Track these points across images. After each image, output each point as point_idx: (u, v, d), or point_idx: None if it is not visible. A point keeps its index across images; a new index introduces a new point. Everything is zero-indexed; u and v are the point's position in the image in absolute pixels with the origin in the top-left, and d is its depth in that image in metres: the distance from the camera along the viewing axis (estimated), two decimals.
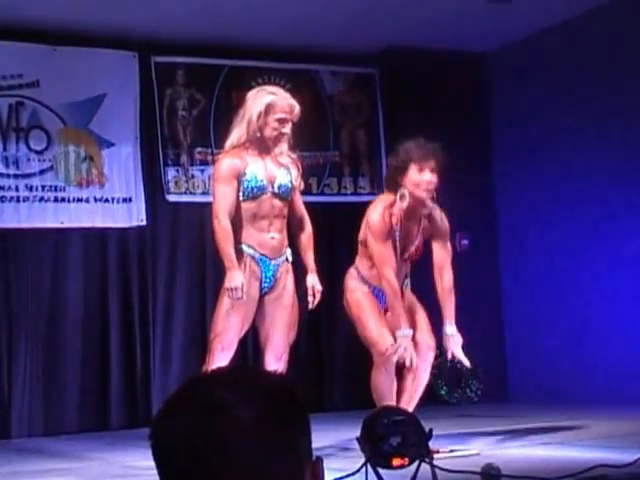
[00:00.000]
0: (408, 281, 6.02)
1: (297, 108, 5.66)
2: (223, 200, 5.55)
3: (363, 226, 5.88)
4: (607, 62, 8.14)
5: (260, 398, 1.33)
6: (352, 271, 5.99)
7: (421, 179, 5.65)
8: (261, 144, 5.64)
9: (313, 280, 5.74)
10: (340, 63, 9.06)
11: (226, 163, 5.62)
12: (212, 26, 8.14)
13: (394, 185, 5.79)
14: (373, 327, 5.83)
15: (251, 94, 5.72)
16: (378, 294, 5.88)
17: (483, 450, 5.72)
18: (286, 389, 1.38)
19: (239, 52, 8.63)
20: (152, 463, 1.35)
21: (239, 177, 5.58)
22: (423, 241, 5.94)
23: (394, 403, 5.69)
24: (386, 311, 5.89)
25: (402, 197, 5.72)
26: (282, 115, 5.60)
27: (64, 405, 7.93)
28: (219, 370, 1.44)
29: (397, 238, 5.80)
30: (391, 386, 5.79)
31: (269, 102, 5.60)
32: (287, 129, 5.64)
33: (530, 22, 8.35)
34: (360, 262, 5.96)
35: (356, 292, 5.93)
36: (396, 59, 8.88)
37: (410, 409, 5.75)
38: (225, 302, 5.55)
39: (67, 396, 7.94)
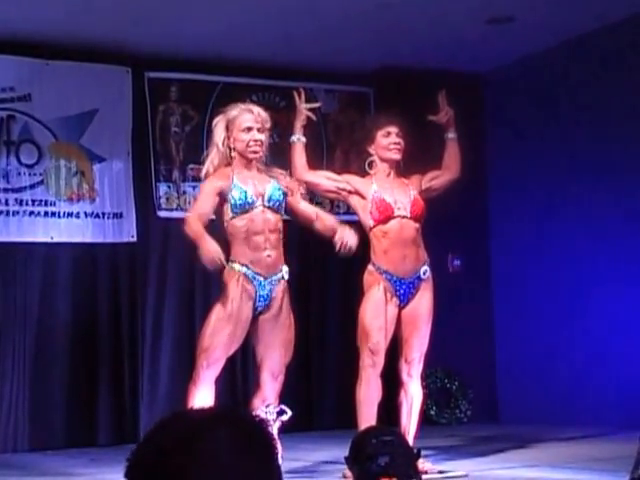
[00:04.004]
0: (427, 268, 6.00)
1: (263, 114, 5.68)
2: (197, 206, 5.68)
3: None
4: (608, 81, 8.12)
5: (230, 430, 1.37)
6: (369, 267, 5.98)
7: (389, 141, 6.03)
8: (243, 160, 5.62)
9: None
10: (334, 81, 9.03)
11: (210, 182, 5.65)
12: (206, 42, 8.11)
13: (362, 157, 6.12)
14: (367, 327, 5.83)
15: (215, 121, 5.73)
16: (395, 284, 5.87)
17: (471, 471, 5.68)
18: (254, 423, 1.43)
19: (233, 69, 8.61)
20: None
21: (223, 195, 5.55)
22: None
23: (373, 416, 5.68)
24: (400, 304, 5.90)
25: (371, 165, 6.06)
26: (248, 124, 5.60)
27: (50, 421, 7.86)
28: (195, 409, 1.47)
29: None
30: (371, 399, 5.76)
31: (228, 120, 5.62)
32: (260, 136, 5.61)
33: (527, 43, 8.34)
34: (372, 252, 5.97)
35: (367, 297, 5.91)
36: (391, 78, 8.85)
37: (411, 427, 5.75)
38: (213, 318, 5.52)
39: (53, 412, 7.88)
